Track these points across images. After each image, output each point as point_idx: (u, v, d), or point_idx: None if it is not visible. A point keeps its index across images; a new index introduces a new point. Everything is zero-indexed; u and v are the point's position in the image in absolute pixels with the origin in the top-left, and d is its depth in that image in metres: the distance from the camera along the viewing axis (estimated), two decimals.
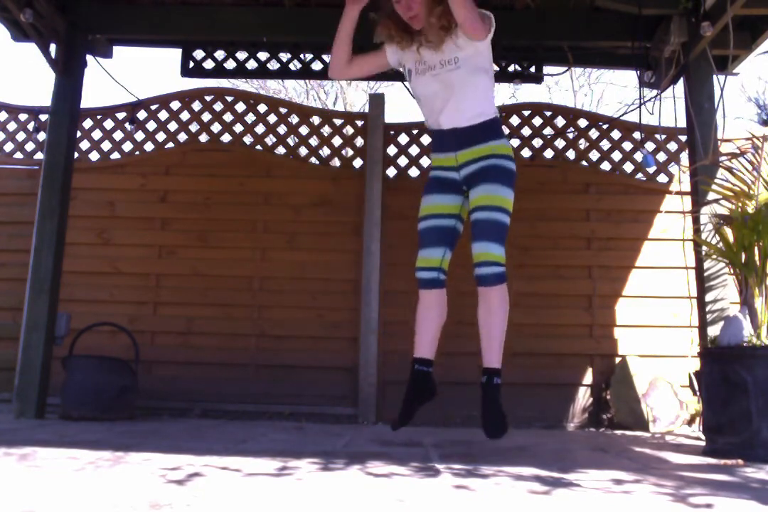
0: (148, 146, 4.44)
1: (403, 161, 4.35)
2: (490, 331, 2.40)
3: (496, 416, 2.24)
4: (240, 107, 4.47)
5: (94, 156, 4.42)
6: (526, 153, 4.33)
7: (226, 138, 4.42)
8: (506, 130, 4.46)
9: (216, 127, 4.45)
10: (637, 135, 4.22)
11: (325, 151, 4.48)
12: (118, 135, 4.44)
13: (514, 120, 4.41)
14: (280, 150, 4.62)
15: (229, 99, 4.50)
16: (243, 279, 4.15)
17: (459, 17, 2.25)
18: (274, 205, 4.18)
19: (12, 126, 4.45)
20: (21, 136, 4.43)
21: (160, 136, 4.43)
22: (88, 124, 4.43)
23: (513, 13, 3.64)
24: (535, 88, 12.38)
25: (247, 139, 4.41)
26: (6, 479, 1.59)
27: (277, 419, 3.73)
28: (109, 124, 4.47)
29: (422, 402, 2.46)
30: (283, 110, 4.49)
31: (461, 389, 3.99)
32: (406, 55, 2.51)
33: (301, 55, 4.31)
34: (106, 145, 4.42)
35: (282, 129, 4.48)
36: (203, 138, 4.41)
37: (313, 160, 4.48)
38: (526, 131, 4.39)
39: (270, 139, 4.50)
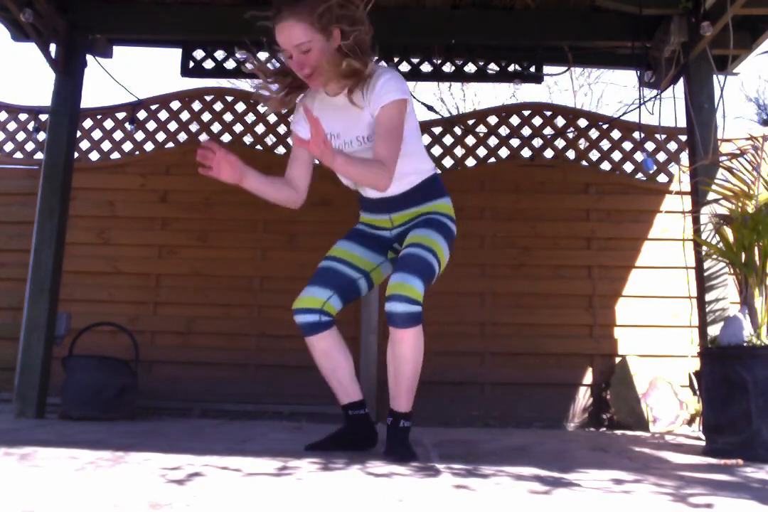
0: (148, 146, 4.44)
1: None
2: (398, 378, 2.13)
3: (399, 449, 2.10)
4: (240, 107, 4.47)
5: (94, 156, 4.42)
6: (526, 153, 4.33)
7: (226, 138, 4.42)
8: (506, 130, 4.47)
9: (216, 127, 4.45)
10: (637, 135, 4.22)
11: None
12: (118, 135, 4.44)
13: (514, 120, 4.41)
14: (280, 150, 4.62)
15: (229, 99, 4.51)
16: (243, 279, 4.15)
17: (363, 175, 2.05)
18: (274, 205, 4.16)
19: (12, 126, 4.45)
20: (21, 136, 4.43)
21: (160, 136, 4.43)
22: (88, 124, 4.43)
23: (513, 13, 3.64)
24: (535, 88, 12.39)
25: (247, 139, 4.41)
26: (6, 479, 1.59)
27: (277, 419, 3.73)
28: (109, 124, 4.47)
29: (357, 448, 2.27)
30: (283, 110, 4.48)
31: (461, 389, 4.00)
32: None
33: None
34: (106, 145, 4.43)
35: (282, 129, 4.48)
36: (203, 138, 4.41)
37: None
38: (526, 131, 4.39)
39: (270, 139, 4.50)
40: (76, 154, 3.94)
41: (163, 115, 4.46)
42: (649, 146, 4.26)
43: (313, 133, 1.82)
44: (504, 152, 4.39)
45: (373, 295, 4.01)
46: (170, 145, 4.42)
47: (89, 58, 3.77)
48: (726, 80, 3.25)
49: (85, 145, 4.40)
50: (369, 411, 2.33)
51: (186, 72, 4.20)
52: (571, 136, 4.39)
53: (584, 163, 4.31)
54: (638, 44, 3.55)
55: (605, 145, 4.32)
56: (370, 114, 2.10)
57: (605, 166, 4.30)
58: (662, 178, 4.24)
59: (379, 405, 3.93)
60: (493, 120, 4.42)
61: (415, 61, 4.24)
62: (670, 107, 6.85)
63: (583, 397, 3.97)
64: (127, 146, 4.43)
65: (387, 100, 2.07)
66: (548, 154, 4.33)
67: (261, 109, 4.48)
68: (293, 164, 2.29)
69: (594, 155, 4.31)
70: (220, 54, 4.25)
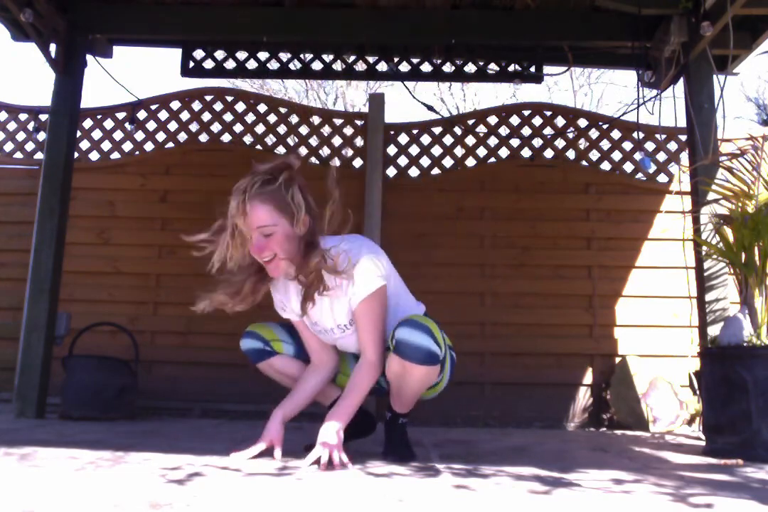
0: (148, 146, 4.44)
1: (403, 161, 4.35)
2: (400, 392, 2.08)
3: (398, 448, 2.11)
4: (240, 107, 4.47)
5: (94, 156, 4.42)
6: (526, 153, 4.33)
7: (226, 138, 4.42)
8: (506, 130, 4.47)
9: (216, 127, 4.45)
10: (636, 135, 4.22)
11: (325, 151, 4.49)
12: (118, 135, 4.44)
13: (514, 120, 4.41)
14: (280, 150, 4.62)
15: (229, 99, 4.51)
16: None
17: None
18: None
19: (12, 126, 4.45)
20: (21, 136, 4.43)
21: (160, 136, 4.43)
22: (88, 124, 4.43)
23: (513, 13, 3.64)
24: (535, 88, 12.38)
25: (247, 139, 4.41)
26: (6, 479, 1.59)
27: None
28: (109, 124, 4.47)
29: (357, 436, 2.25)
30: (283, 110, 4.49)
31: (461, 389, 3.99)
32: (287, 300, 2.14)
33: (301, 55, 4.31)
34: (106, 145, 4.43)
35: (282, 129, 4.48)
36: (203, 138, 4.42)
37: (313, 159, 4.49)
38: (526, 131, 4.39)
39: (270, 139, 4.50)
40: (76, 154, 3.94)
41: (163, 115, 4.46)
42: (649, 146, 4.26)
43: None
44: (504, 152, 4.39)
45: None
46: (170, 145, 4.42)
47: (89, 58, 3.77)
48: (726, 80, 3.25)
49: (85, 145, 4.40)
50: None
51: (186, 72, 4.20)
52: (571, 136, 4.39)
53: (584, 163, 4.31)
54: (638, 44, 3.55)
55: (605, 145, 4.32)
56: (350, 303, 2.03)
57: (605, 166, 4.30)
58: (662, 178, 4.24)
59: (379, 406, 3.93)
60: (493, 120, 4.42)
61: (415, 61, 4.24)
62: (670, 107, 6.85)
63: (583, 397, 3.97)
64: (127, 146, 4.43)
65: (366, 293, 1.99)
66: (548, 154, 4.33)
67: (261, 109, 4.48)
68: (308, 342, 2.20)
69: (594, 155, 4.31)
70: (220, 54, 4.25)
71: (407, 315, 2.02)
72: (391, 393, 2.12)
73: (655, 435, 3.38)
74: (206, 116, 4.53)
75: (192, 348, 4.07)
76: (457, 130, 4.41)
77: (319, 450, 1.88)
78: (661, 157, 4.26)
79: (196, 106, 4.57)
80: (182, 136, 4.43)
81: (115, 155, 4.41)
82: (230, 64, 4.26)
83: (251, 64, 4.41)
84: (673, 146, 4.26)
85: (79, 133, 4.11)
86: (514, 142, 4.39)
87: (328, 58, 4.27)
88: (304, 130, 4.51)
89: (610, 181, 4.23)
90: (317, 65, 4.27)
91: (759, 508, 1.44)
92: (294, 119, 4.50)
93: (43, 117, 4.36)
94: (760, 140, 2.81)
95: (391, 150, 4.36)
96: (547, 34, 3.69)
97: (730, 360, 2.41)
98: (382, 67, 4.24)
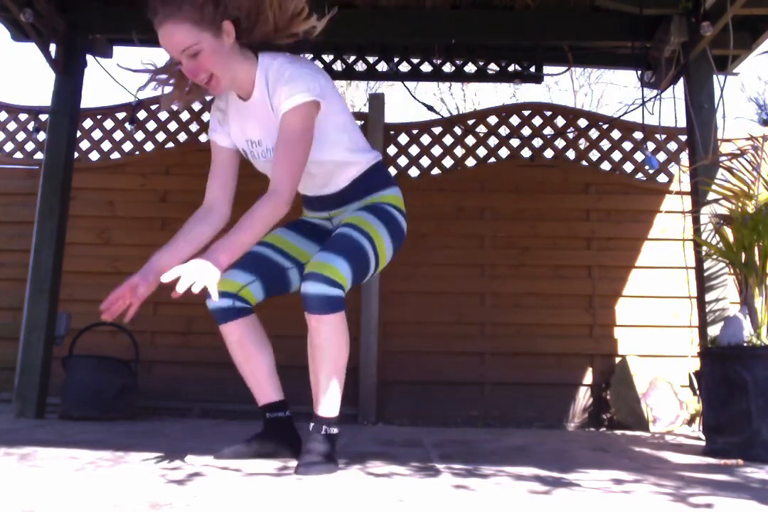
0: (148, 146, 4.44)
1: (403, 161, 4.35)
2: (316, 375, 1.85)
3: (310, 468, 1.75)
4: None
5: (94, 156, 4.42)
6: (526, 153, 4.33)
7: None
8: (506, 130, 4.47)
9: None
10: (637, 135, 4.23)
11: None
12: (118, 135, 4.44)
13: (514, 120, 4.41)
14: None
15: None
16: None
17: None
18: None
19: (12, 126, 4.44)
20: (21, 136, 4.43)
21: (160, 136, 4.43)
22: (88, 124, 4.43)
23: (513, 13, 3.64)
24: (535, 88, 12.38)
25: None
26: (6, 479, 1.59)
27: None
28: (109, 124, 4.47)
29: (276, 456, 1.99)
30: None
31: (461, 389, 4.00)
32: (231, 129, 1.99)
33: (301, 55, 4.30)
34: (106, 145, 4.43)
35: None
36: (203, 138, 4.41)
37: None
38: (526, 131, 4.39)
39: None
40: (76, 154, 3.94)
41: (163, 115, 4.46)
42: (649, 146, 4.26)
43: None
44: (504, 152, 4.39)
45: (373, 295, 4.01)
46: (170, 145, 4.42)
47: (89, 58, 3.77)
48: (726, 80, 3.26)
49: (85, 145, 4.40)
50: (291, 415, 2.06)
51: None
52: (571, 136, 4.39)
53: (584, 163, 4.31)
54: (638, 44, 3.55)
55: (605, 145, 4.32)
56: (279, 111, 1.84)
57: (605, 166, 4.30)
58: (662, 178, 4.24)
59: (379, 406, 3.94)
60: (493, 120, 4.42)
61: (415, 61, 4.24)
62: (670, 107, 6.86)
63: (583, 397, 3.97)
64: (127, 146, 4.43)
65: (288, 105, 1.81)
66: (548, 154, 4.33)
67: None
68: (213, 178, 2.06)
69: (594, 155, 4.31)
70: None
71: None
72: (313, 391, 1.88)
73: (655, 435, 3.38)
74: (206, 116, 4.53)
75: (192, 348, 4.07)
76: (457, 130, 4.41)
77: (179, 271, 1.62)
78: (661, 157, 4.26)
79: (196, 105, 4.57)
80: (182, 136, 4.43)
81: (115, 155, 4.41)
82: None
83: None
84: (673, 146, 4.26)
85: (79, 133, 4.10)
86: (514, 142, 4.39)
87: (328, 58, 4.27)
88: None
89: (610, 181, 4.23)
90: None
91: (759, 508, 1.44)
92: None
93: (43, 117, 4.36)
94: (760, 140, 2.81)
95: (391, 150, 4.36)
96: (547, 34, 3.69)
97: (730, 360, 2.41)
98: (382, 67, 4.24)
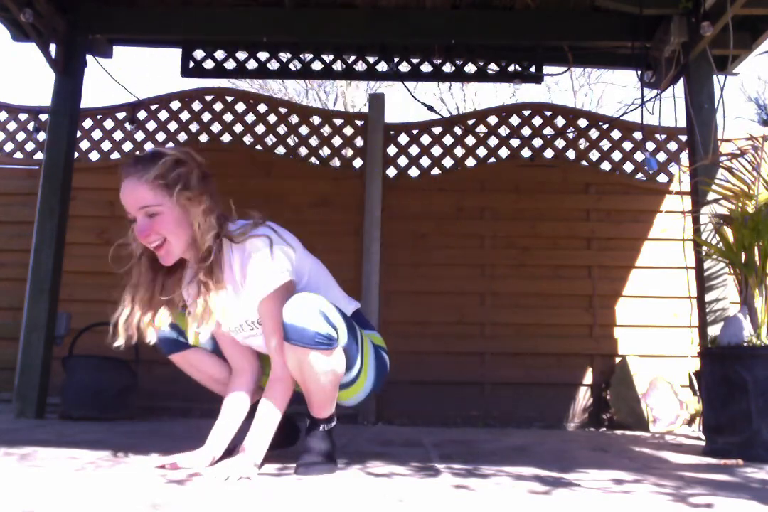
0: (148, 146, 4.44)
1: (403, 161, 4.36)
2: (307, 392, 1.84)
3: (313, 458, 1.81)
4: (240, 107, 4.47)
5: (94, 156, 4.42)
6: (526, 153, 4.34)
7: (226, 138, 4.42)
8: (506, 130, 4.47)
9: (216, 127, 4.45)
10: (637, 135, 4.23)
11: (325, 151, 4.49)
12: (118, 135, 4.45)
13: (514, 120, 4.41)
14: (280, 150, 4.62)
15: (229, 99, 4.51)
16: None
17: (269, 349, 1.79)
18: (274, 205, 4.17)
19: (12, 126, 4.45)
20: (21, 136, 4.43)
21: (160, 136, 4.44)
22: (88, 124, 4.43)
23: (513, 13, 3.64)
24: (535, 88, 12.37)
25: (247, 139, 4.41)
26: (6, 479, 1.59)
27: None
28: (109, 124, 4.47)
29: (277, 446, 2.00)
30: (283, 110, 4.50)
31: (461, 389, 4.00)
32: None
33: (301, 55, 4.31)
34: (106, 145, 4.43)
35: (282, 129, 4.48)
36: (203, 138, 4.41)
37: (313, 160, 4.49)
38: (526, 131, 4.40)
39: (270, 139, 4.50)
40: (76, 154, 3.94)
41: (163, 115, 4.46)
42: (649, 146, 4.26)
43: None
44: (504, 152, 4.39)
45: (373, 295, 4.01)
46: (170, 145, 4.41)
47: (89, 58, 3.77)
48: (726, 80, 3.26)
49: (85, 145, 4.41)
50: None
51: (186, 72, 4.20)
52: (571, 136, 4.39)
53: (584, 163, 4.31)
54: (638, 44, 3.55)
55: (605, 145, 4.32)
56: (253, 299, 1.82)
57: (605, 166, 4.30)
58: (662, 178, 4.24)
59: (379, 406, 3.94)
60: (493, 120, 4.42)
61: (415, 61, 4.25)
62: (670, 107, 6.85)
63: (583, 397, 3.97)
64: (127, 146, 4.43)
65: (264, 293, 1.78)
66: (548, 154, 4.33)
67: (261, 109, 4.48)
68: (222, 342, 2.00)
69: (594, 155, 4.31)
70: (220, 54, 4.25)
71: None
72: (305, 395, 1.87)
73: (655, 435, 3.38)
74: (206, 116, 4.53)
75: None
76: (457, 130, 4.41)
77: (217, 479, 1.62)
78: (661, 157, 4.26)
79: (196, 106, 4.57)
80: (182, 136, 4.43)
81: (115, 155, 4.41)
82: (230, 64, 4.26)
83: (251, 64, 4.41)
84: (673, 146, 4.26)
85: (79, 133, 4.10)
86: (514, 142, 4.39)
87: (328, 58, 4.27)
88: (304, 130, 4.51)
89: (610, 181, 4.23)
90: (317, 65, 4.27)
91: (759, 508, 1.44)
92: (294, 119, 4.50)
93: (43, 117, 4.36)
94: (760, 140, 2.81)
95: (391, 150, 4.36)
96: (547, 34, 3.69)
97: (730, 360, 2.41)
98: (382, 67, 4.24)
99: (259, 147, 4.39)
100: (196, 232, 1.77)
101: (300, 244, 1.94)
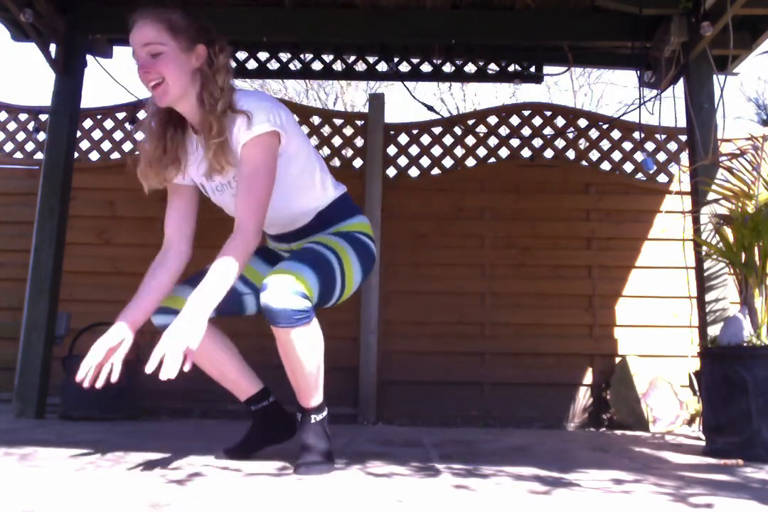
0: None
1: (403, 161, 4.36)
2: (295, 378, 1.82)
3: (309, 457, 1.79)
4: None
5: (94, 156, 4.42)
6: (526, 153, 4.34)
7: None
8: (506, 130, 4.47)
9: None
10: (637, 135, 4.23)
11: (325, 151, 4.48)
12: (118, 135, 4.44)
13: (514, 120, 4.41)
14: None
15: None
16: None
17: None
18: None
19: (12, 126, 4.44)
20: (21, 136, 4.43)
21: None
22: (88, 124, 4.43)
23: (513, 13, 3.64)
24: (535, 88, 12.37)
25: None
26: (6, 479, 1.59)
27: None
28: (109, 124, 4.46)
29: (278, 441, 2.05)
30: None
31: (461, 389, 4.00)
32: (187, 165, 1.91)
33: (301, 55, 4.31)
34: (106, 145, 4.42)
35: None
36: None
37: None
38: (526, 131, 4.39)
39: None
40: (76, 154, 3.94)
41: None
42: (649, 146, 4.26)
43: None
44: (504, 152, 4.39)
45: (373, 295, 4.01)
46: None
47: (89, 58, 3.77)
48: (726, 80, 3.26)
49: (85, 145, 4.40)
50: (275, 400, 2.07)
51: None
52: (571, 136, 4.39)
53: (584, 163, 4.31)
54: (638, 44, 3.55)
55: (605, 145, 4.32)
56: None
57: (605, 166, 4.30)
58: (662, 178, 4.24)
59: (379, 406, 3.94)
60: (493, 120, 4.42)
61: (415, 61, 4.25)
62: (670, 107, 6.85)
63: (583, 397, 3.97)
64: (127, 146, 4.43)
65: (248, 136, 1.74)
66: (548, 154, 4.33)
67: None
68: (170, 210, 2.04)
69: (594, 155, 4.31)
70: None
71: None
72: (290, 380, 1.83)
73: (655, 435, 3.38)
74: None
75: None
76: (457, 130, 4.41)
77: (159, 349, 1.68)
78: (661, 157, 4.26)
79: None
80: None
81: (115, 155, 4.41)
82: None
83: (251, 64, 4.41)
84: (673, 146, 4.26)
85: (79, 133, 4.10)
86: (514, 142, 4.39)
87: (328, 58, 4.27)
88: (304, 130, 4.50)
89: (610, 181, 4.23)
90: (317, 65, 4.27)
91: (759, 508, 1.44)
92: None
93: (43, 117, 4.36)
94: (760, 140, 2.81)
95: (391, 150, 4.36)
96: (547, 34, 3.69)
97: (730, 360, 2.41)
98: (382, 67, 4.25)
99: None
100: (211, 91, 1.75)
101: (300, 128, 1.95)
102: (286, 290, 1.67)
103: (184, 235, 2.03)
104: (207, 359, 2.02)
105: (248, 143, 1.75)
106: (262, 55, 4.45)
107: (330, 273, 1.80)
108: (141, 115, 4.46)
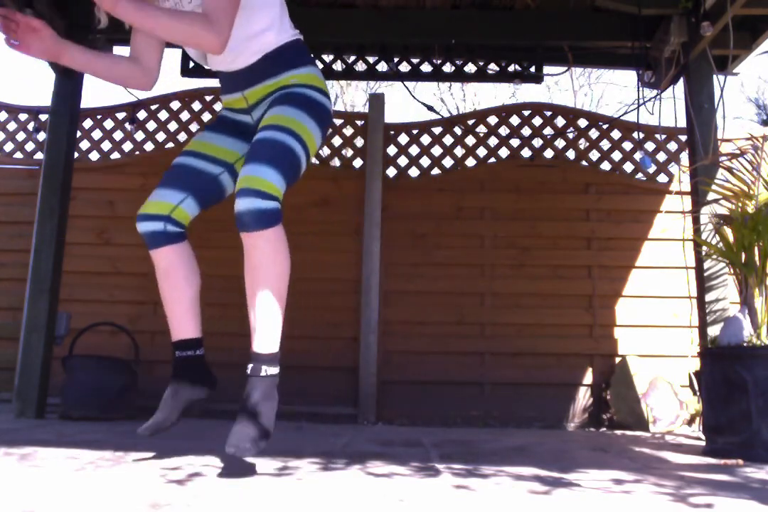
0: (148, 146, 4.45)
1: (403, 161, 4.36)
2: (254, 301, 1.76)
3: (246, 424, 1.68)
4: None
5: (94, 156, 4.42)
6: (526, 153, 4.34)
7: None
8: (506, 130, 4.47)
9: None
10: (636, 135, 4.23)
11: (325, 151, 4.48)
12: (118, 135, 4.45)
13: (514, 120, 4.41)
14: None
15: None
16: (242, 280, 4.14)
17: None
18: None
19: (12, 126, 4.45)
20: (21, 136, 4.43)
21: (160, 136, 4.44)
22: (88, 124, 4.43)
23: (513, 13, 3.65)
24: (535, 88, 12.37)
25: None
26: (6, 479, 1.59)
27: (277, 419, 3.72)
28: (109, 124, 4.47)
29: (194, 396, 1.92)
30: None
31: (461, 389, 4.00)
32: None
33: None
34: (106, 145, 4.43)
35: None
36: None
37: (313, 159, 4.49)
38: (526, 131, 4.40)
39: None
40: (76, 154, 3.94)
41: (163, 115, 4.46)
42: (649, 146, 4.26)
43: None
44: (504, 152, 4.39)
45: (373, 295, 4.01)
46: (170, 145, 4.42)
47: None
48: (726, 80, 3.26)
49: (85, 145, 4.41)
50: (202, 354, 2.00)
51: (186, 72, 4.19)
52: (571, 136, 4.39)
53: (584, 163, 4.31)
54: (638, 44, 3.55)
55: (605, 145, 4.32)
56: None
57: (605, 166, 4.31)
58: (662, 178, 4.24)
59: (379, 406, 3.94)
60: (493, 120, 4.42)
61: (415, 61, 4.24)
62: (670, 107, 6.85)
63: (583, 397, 3.97)
64: (127, 146, 4.44)
65: None
66: (548, 154, 4.33)
67: None
68: (134, 35, 1.95)
69: (594, 155, 4.31)
70: None
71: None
72: (251, 324, 1.77)
73: (655, 435, 3.38)
74: (206, 116, 4.53)
75: None
76: (457, 130, 4.41)
77: None
78: (661, 157, 4.26)
79: (196, 106, 4.57)
80: (182, 136, 4.43)
81: (115, 155, 4.41)
82: None
83: None
84: (673, 146, 4.26)
85: (79, 133, 4.10)
86: (514, 142, 4.39)
87: (328, 58, 4.27)
88: None
89: (610, 181, 4.23)
90: (317, 65, 4.26)
91: (759, 508, 1.44)
92: None
93: (43, 117, 4.36)
94: (760, 140, 2.81)
95: (391, 150, 4.36)
96: (547, 34, 3.69)
97: (730, 360, 2.41)
98: (382, 67, 4.25)
99: None
100: None
101: None
102: (256, 195, 1.64)
103: (151, 60, 1.93)
104: (169, 280, 1.96)
105: None
106: None
107: (293, 160, 1.75)
108: (141, 115, 4.47)
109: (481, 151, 4.36)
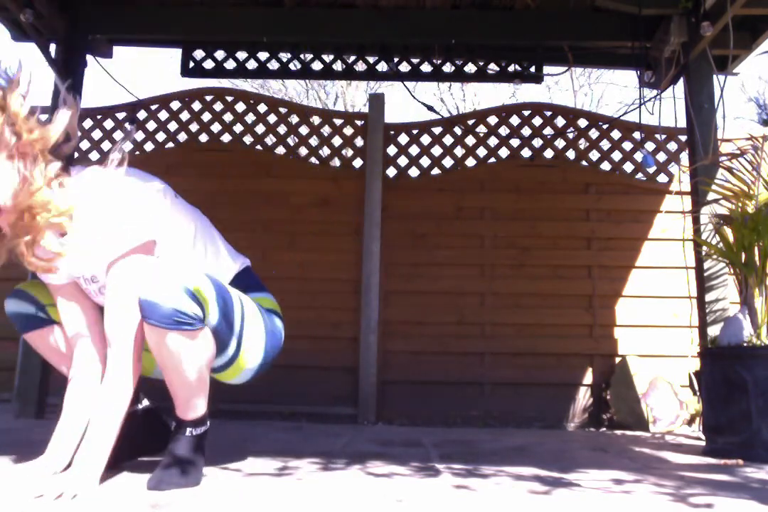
0: (148, 146, 4.44)
1: (403, 161, 4.36)
2: (170, 385, 1.64)
3: (168, 469, 1.57)
4: (240, 107, 4.47)
5: (94, 156, 4.42)
6: (526, 153, 4.34)
7: (226, 138, 4.42)
8: (506, 130, 4.47)
9: (216, 127, 4.44)
10: (637, 135, 4.23)
11: (325, 151, 4.48)
12: (118, 135, 4.44)
13: (514, 120, 4.41)
14: (280, 150, 4.61)
15: (229, 99, 4.50)
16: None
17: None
18: (274, 204, 4.18)
19: None
20: None
21: (160, 136, 4.43)
22: (88, 124, 4.43)
23: (513, 13, 3.64)
24: (535, 88, 12.38)
25: (247, 139, 4.41)
26: (6, 479, 1.59)
27: (277, 419, 3.73)
28: (109, 124, 4.46)
29: (150, 452, 1.87)
30: (283, 110, 4.49)
31: (461, 389, 4.00)
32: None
33: (301, 55, 4.31)
34: (106, 145, 4.42)
35: (282, 129, 4.48)
36: (203, 138, 4.41)
37: (313, 159, 4.48)
38: (526, 131, 4.39)
39: (270, 139, 4.50)
40: (76, 154, 3.93)
41: (163, 115, 4.46)
42: (649, 146, 4.26)
43: None
44: (504, 152, 4.39)
45: (373, 295, 4.01)
46: (170, 145, 4.41)
47: (89, 58, 3.77)
48: (726, 80, 3.25)
49: (85, 145, 4.40)
50: (151, 406, 1.95)
51: (186, 72, 4.20)
52: (571, 136, 4.39)
53: (584, 163, 4.31)
54: (638, 44, 3.55)
55: (605, 145, 4.32)
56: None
57: (605, 166, 4.30)
58: (662, 178, 4.24)
59: (379, 406, 3.94)
60: (493, 120, 4.42)
61: (415, 61, 4.24)
62: (670, 107, 6.85)
63: (583, 397, 3.97)
64: (127, 146, 4.43)
65: (115, 255, 1.57)
66: (548, 154, 4.33)
67: (261, 109, 4.47)
68: (67, 324, 1.73)
69: (594, 155, 4.31)
70: (220, 54, 4.25)
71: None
72: (168, 388, 1.64)
73: (655, 436, 3.38)
74: (206, 116, 4.53)
75: None
76: (457, 130, 4.41)
77: (53, 489, 1.39)
78: (661, 157, 4.26)
79: (196, 106, 4.57)
80: (182, 136, 4.43)
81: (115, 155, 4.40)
82: (230, 64, 4.26)
83: (251, 64, 4.41)
84: (673, 146, 4.26)
85: (79, 133, 4.10)
86: (514, 142, 4.39)
87: (328, 58, 4.27)
88: (304, 130, 4.51)
89: (610, 181, 4.23)
90: (317, 65, 4.27)
91: (759, 508, 1.44)
92: (294, 119, 4.50)
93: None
94: (760, 140, 2.81)
95: (391, 150, 4.36)
96: (547, 34, 3.69)
97: (730, 360, 2.41)
98: (382, 67, 4.24)
99: (259, 147, 4.38)
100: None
101: (172, 191, 1.70)
102: (176, 286, 1.47)
103: (100, 338, 1.74)
104: (58, 357, 1.86)
105: (116, 265, 1.57)
106: (262, 55, 4.45)
107: (227, 303, 1.61)
108: (141, 115, 4.47)
109: (481, 151, 4.36)
